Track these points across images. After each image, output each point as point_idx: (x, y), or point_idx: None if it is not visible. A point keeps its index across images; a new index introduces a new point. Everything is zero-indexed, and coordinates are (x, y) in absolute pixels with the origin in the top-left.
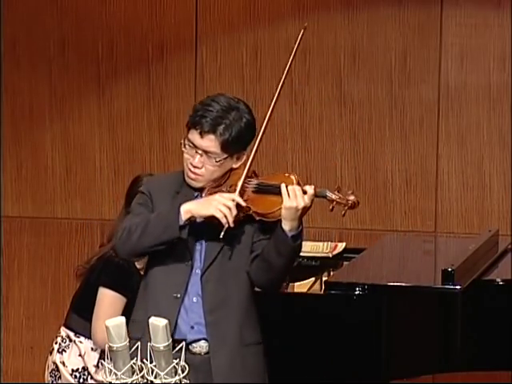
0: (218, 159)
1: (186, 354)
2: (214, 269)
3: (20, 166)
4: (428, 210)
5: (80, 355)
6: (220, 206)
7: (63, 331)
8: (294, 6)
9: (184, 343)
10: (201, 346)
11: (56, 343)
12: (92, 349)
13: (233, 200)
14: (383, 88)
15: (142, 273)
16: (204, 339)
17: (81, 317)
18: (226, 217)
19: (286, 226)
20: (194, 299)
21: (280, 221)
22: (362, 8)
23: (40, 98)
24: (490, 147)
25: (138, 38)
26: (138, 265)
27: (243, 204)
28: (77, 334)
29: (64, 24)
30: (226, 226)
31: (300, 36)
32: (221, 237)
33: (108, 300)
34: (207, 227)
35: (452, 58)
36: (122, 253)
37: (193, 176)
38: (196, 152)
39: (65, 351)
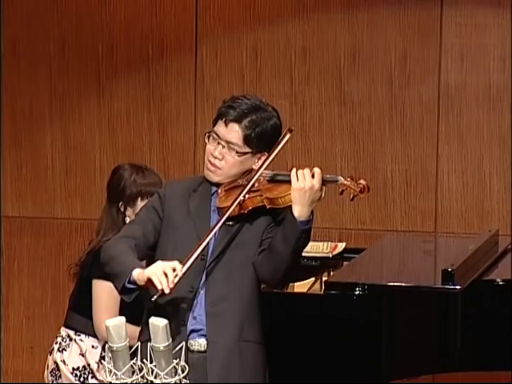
0: (239, 151)
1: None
2: (220, 261)
3: (20, 166)
4: (428, 210)
5: (81, 354)
6: (157, 270)
7: (63, 331)
8: (294, 6)
9: (184, 343)
10: (199, 344)
11: (56, 343)
12: (93, 346)
13: (173, 269)
14: (383, 88)
15: None
16: (203, 335)
17: (80, 314)
18: (160, 282)
19: (296, 211)
20: (201, 291)
21: (290, 208)
22: (362, 8)
23: (40, 98)
24: (490, 147)
25: (137, 38)
26: None
27: (180, 274)
28: (77, 332)
29: (64, 24)
30: (160, 291)
31: (286, 139)
32: (152, 300)
33: (104, 291)
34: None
35: (452, 58)
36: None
37: (212, 168)
38: (218, 143)
39: (65, 350)
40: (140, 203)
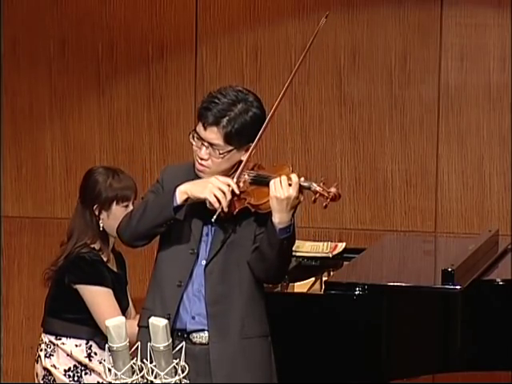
0: (221, 151)
1: (186, 343)
2: (218, 260)
3: (20, 166)
4: (428, 210)
5: (68, 355)
6: (214, 189)
7: (45, 337)
8: (294, 6)
9: (184, 343)
10: (201, 337)
11: (41, 350)
12: (76, 345)
13: (228, 185)
14: (383, 88)
15: (109, 265)
16: (205, 330)
17: (58, 318)
18: (219, 201)
19: (276, 218)
20: (198, 290)
21: (271, 214)
22: (362, 8)
23: (40, 98)
24: (490, 147)
25: (137, 38)
26: (104, 257)
27: (237, 191)
28: (57, 336)
29: (64, 24)
30: (219, 210)
31: (321, 25)
32: (212, 220)
33: (97, 294)
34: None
35: (452, 58)
36: (123, 237)
37: (200, 168)
38: (202, 144)
39: (52, 355)
40: (115, 207)
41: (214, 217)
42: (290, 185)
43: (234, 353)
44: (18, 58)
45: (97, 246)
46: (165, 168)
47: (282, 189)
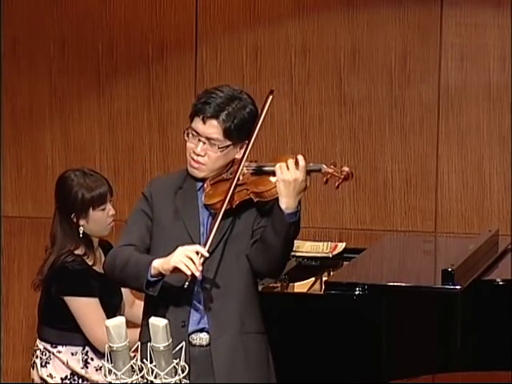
0: (220, 146)
1: (186, 345)
2: (215, 257)
3: (20, 166)
4: (428, 210)
5: (64, 363)
6: (181, 257)
7: (40, 344)
8: (294, 6)
9: (184, 343)
10: (201, 338)
11: (37, 357)
12: (72, 353)
13: (197, 252)
14: (383, 88)
15: (95, 268)
16: (205, 330)
17: (52, 327)
18: (188, 267)
19: (282, 203)
20: (196, 288)
21: (277, 200)
22: (362, 8)
23: (40, 98)
24: (490, 147)
25: (137, 38)
26: (90, 261)
27: (206, 255)
28: (53, 344)
29: (64, 24)
30: (190, 276)
31: (269, 101)
32: (185, 286)
33: (84, 306)
34: (209, 218)
35: (452, 58)
36: (109, 277)
37: (196, 165)
38: (199, 140)
39: (48, 363)
40: (92, 212)
41: (186, 283)
42: (297, 167)
43: (234, 348)
44: (18, 57)
45: (80, 251)
46: (150, 183)
47: (289, 171)
